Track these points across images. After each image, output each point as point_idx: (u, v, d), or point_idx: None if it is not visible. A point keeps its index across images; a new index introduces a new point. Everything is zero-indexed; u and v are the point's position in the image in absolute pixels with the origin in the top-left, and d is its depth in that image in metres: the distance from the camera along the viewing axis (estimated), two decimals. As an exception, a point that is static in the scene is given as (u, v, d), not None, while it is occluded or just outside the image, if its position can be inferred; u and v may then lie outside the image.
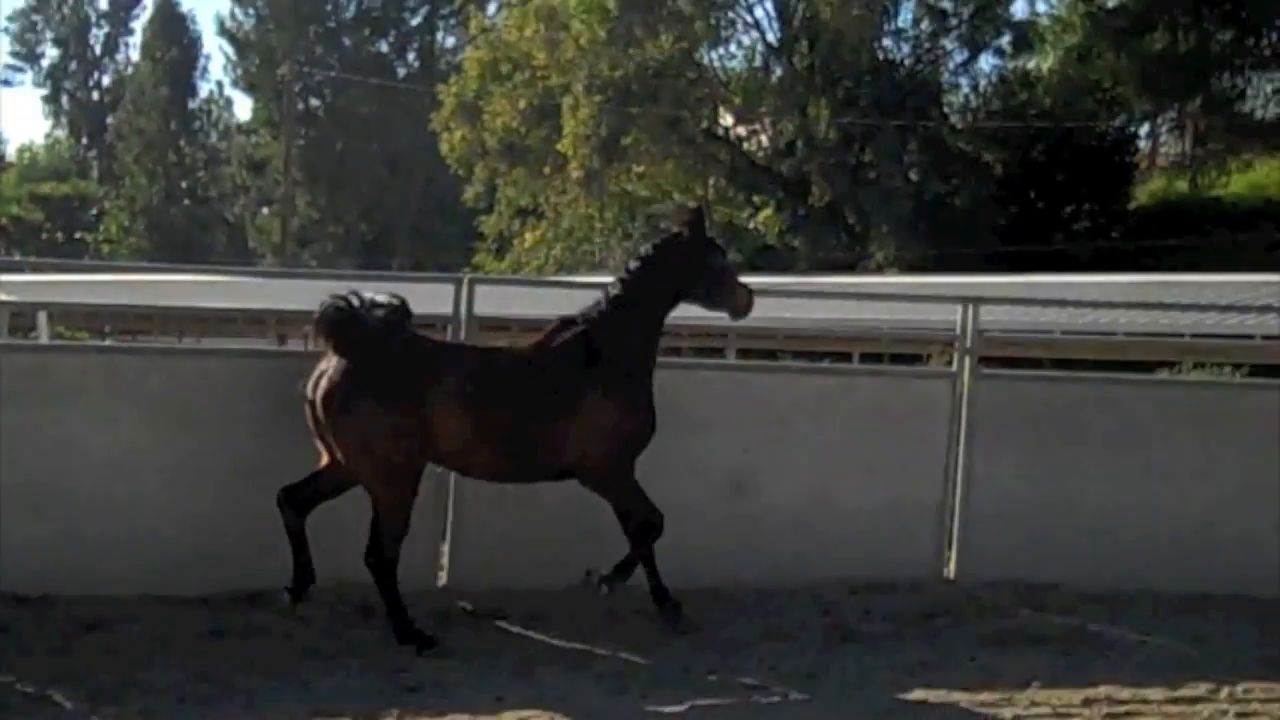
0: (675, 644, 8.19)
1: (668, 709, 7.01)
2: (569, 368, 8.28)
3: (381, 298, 8.13)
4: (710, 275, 8.60)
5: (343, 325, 7.99)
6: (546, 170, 44.16)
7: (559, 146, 41.97)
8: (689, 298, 8.62)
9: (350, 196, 60.02)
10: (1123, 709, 7.33)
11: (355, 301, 8.06)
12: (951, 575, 9.77)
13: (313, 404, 8.02)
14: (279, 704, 6.96)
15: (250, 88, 64.86)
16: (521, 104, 43.35)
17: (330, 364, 8.00)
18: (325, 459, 8.19)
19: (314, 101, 62.51)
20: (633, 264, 8.60)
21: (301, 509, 8.22)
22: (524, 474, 8.49)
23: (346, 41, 62.58)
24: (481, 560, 9.06)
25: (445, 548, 9.22)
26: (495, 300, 12.04)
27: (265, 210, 63.51)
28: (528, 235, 46.60)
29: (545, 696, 7.15)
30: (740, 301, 8.72)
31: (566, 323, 8.48)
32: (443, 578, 9.19)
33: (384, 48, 64.21)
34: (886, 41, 43.65)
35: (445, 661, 7.73)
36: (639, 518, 8.40)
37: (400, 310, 8.11)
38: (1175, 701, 7.45)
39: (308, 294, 9.49)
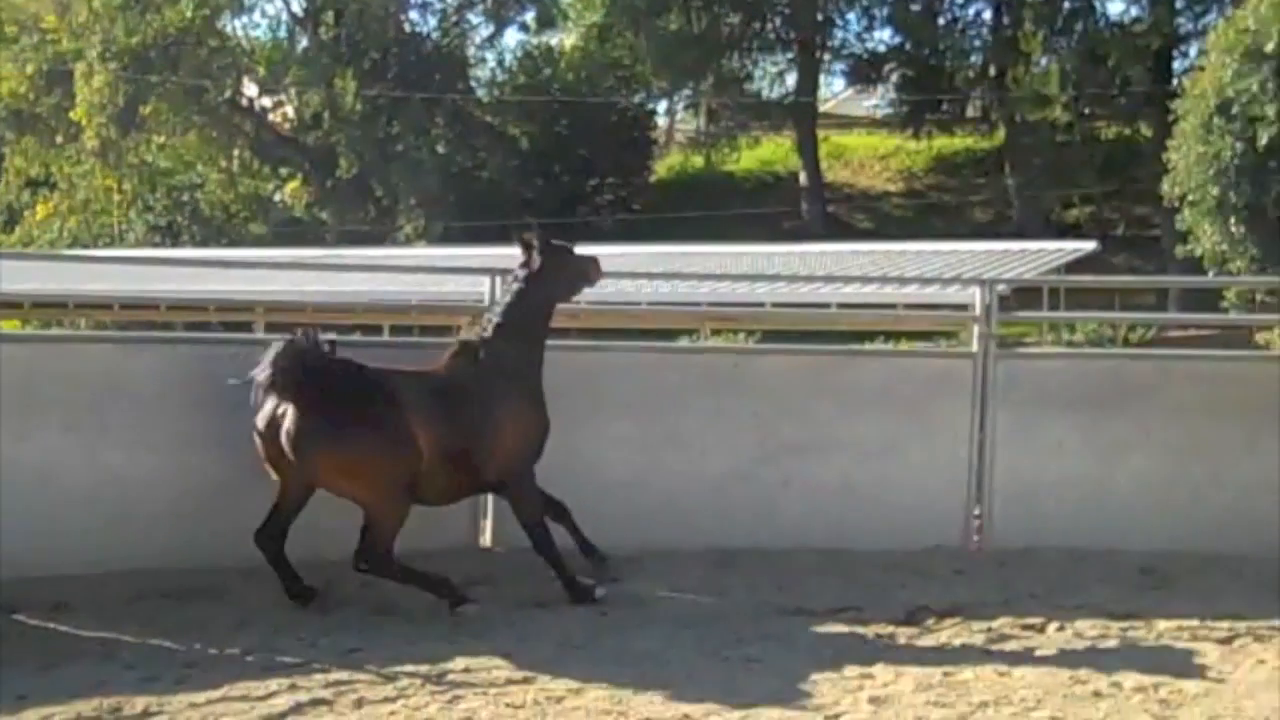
0: (211, 626, 8.01)
1: (203, 694, 6.85)
2: (494, 385, 8.56)
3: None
4: (570, 277, 9.21)
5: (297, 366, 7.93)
6: (59, 139, 42.27)
7: (72, 115, 40.25)
8: (561, 300, 9.22)
9: None
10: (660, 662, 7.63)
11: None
12: (488, 543, 9.94)
13: (272, 439, 8.00)
14: None
15: None
16: (30, 69, 41.30)
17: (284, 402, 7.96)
18: (282, 487, 8.36)
19: None
20: (513, 287, 8.93)
21: (279, 540, 8.44)
22: (462, 494, 8.87)
23: None
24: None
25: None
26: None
27: None
28: (39, 207, 44.42)
29: (73, 690, 6.84)
30: (592, 278, 9.35)
31: (468, 345, 8.79)
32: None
33: None
34: (413, 14, 43.83)
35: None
36: (535, 520, 8.78)
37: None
38: (700, 653, 7.80)
39: None
